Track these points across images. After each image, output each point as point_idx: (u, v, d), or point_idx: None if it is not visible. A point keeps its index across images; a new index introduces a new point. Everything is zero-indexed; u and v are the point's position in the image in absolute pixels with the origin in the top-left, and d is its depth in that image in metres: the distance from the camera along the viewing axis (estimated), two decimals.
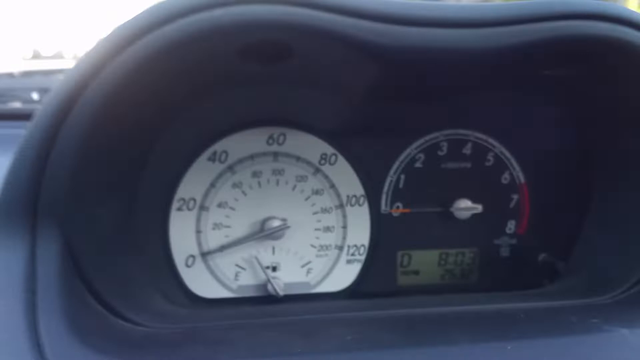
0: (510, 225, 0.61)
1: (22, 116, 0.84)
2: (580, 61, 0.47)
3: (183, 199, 0.53)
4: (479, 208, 0.60)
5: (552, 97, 0.52)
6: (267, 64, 0.43)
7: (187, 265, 0.55)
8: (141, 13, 0.39)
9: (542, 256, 0.59)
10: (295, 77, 0.45)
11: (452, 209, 0.59)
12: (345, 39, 0.40)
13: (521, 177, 0.60)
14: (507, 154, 0.60)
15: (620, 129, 0.52)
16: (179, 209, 0.53)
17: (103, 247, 0.46)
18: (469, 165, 0.60)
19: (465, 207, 0.59)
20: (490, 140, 0.59)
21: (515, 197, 0.61)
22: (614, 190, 0.53)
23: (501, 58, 0.42)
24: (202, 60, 0.40)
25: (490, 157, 0.60)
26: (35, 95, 0.95)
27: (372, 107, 0.50)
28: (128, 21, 0.39)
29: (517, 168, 0.60)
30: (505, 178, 0.62)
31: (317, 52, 0.42)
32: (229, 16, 0.38)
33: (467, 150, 0.60)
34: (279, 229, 0.55)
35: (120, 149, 0.45)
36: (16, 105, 0.95)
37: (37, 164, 0.43)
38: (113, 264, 0.47)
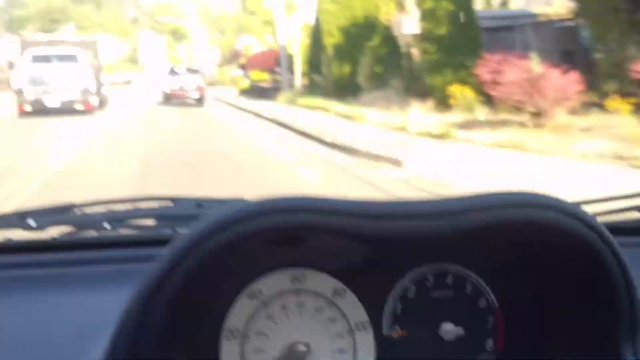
0: (490, 343, 0.72)
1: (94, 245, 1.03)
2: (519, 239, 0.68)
3: (230, 329, 0.67)
4: (460, 330, 0.70)
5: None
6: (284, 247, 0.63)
7: None
8: (217, 218, 0.56)
9: None
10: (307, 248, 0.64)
11: (439, 332, 0.70)
12: (344, 232, 0.57)
13: (495, 303, 0.72)
14: (483, 283, 0.71)
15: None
16: (228, 339, 0.67)
17: None
18: (451, 293, 0.71)
19: (449, 330, 0.70)
20: (468, 272, 0.71)
21: (491, 319, 0.72)
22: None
23: (464, 236, 0.60)
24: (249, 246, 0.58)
25: (468, 286, 0.71)
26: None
27: (372, 254, 0.65)
28: (219, 217, 0.57)
29: (491, 295, 0.72)
30: (482, 303, 0.72)
31: (323, 238, 0.61)
32: (268, 223, 0.56)
33: (449, 281, 0.71)
34: (304, 352, 0.67)
35: (193, 306, 0.64)
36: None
37: (139, 320, 0.57)
38: None
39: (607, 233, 0.63)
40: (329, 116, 13.70)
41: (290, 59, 22.40)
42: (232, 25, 64.94)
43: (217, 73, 42.50)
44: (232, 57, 52.91)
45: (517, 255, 0.70)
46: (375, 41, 14.68)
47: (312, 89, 18.98)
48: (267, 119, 14.64)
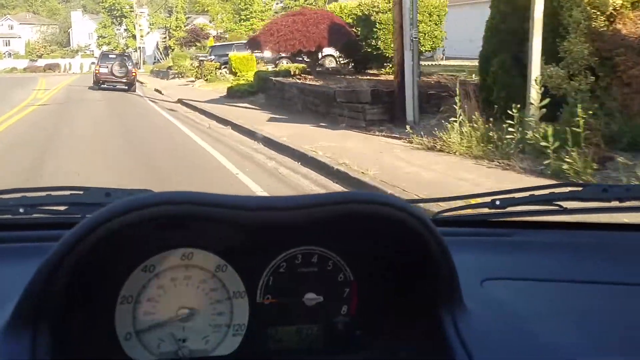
0: (344, 309, 0.89)
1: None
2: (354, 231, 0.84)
3: (124, 296, 0.81)
4: (321, 298, 0.88)
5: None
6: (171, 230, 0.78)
7: (126, 340, 0.81)
8: (116, 205, 0.71)
9: (358, 332, 0.89)
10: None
11: (303, 299, 0.88)
12: (219, 220, 0.73)
13: (351, 277, 0.89)
14: (341, 261, 0.88)
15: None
16: (122, 303, 0.81)
17: (76, 335, 0.77)
18: (316, 269, 0.87)
19: (311, 297, 0.87)
20: (329, 252, 0.88)
21: (347, 290, 0.89)
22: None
23: (309, 225, 0.77)
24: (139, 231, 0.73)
25: (330, 263, 0.88)
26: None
27: (247, 236, 0.80)
28: (110, 208, 0.71)
29: (348, 270, 0.89)
30: (340, 277, 0.89)
31: (203, 225, 0.76)
32: (158, 212, 0.70)
33: (314, 259, 0.87)
34: (187, 315, 0.82)
35: (91, 278, 0.76)
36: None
37: (44, 286, 0.71)
38: (80, 343, 0.78)
39: (428, 220, 0.79)
40: None
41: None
42: (182, 3, 54.44)
43: (173, 58, 32.49)
44: (191, 38, 42.61)
45: (367, 239, 0.85)
46: None
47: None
48: None
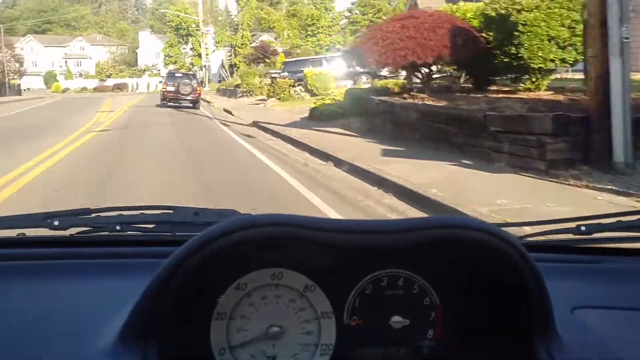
0: (430, 333, 0.88)
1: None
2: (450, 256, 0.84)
3: (219, 313, 0.83)
4: (407, 322, 0.87)
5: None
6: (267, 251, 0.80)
7: (220, 354, 0.84)
8: (222, 226, 0.74)
9: (445, 356, 0.88)
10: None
11: (389, 322, 0.87)
12: (316, 242, 0.75)
13: (437, 301, 0.88)
14: (428, 285, 0.87)
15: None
16: (216, 319, 0.83)
17: (177, 350, 0.80)
18: (401, 292, 0.87)
19: (398, 321, 0.87)
20: (415, 276, 0.87)
21: (433, 314, 0.88)
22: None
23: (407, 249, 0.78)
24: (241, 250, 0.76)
25: (416, 287, 0.87)
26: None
27: (336, 258, 0.81)
28: (215, 229, 0.74)
29: (434, 294, 0.88)
30: (426, 301, 0.88)
31: (299, 246, 0.78)
32: (261, 233, 0.74)
33: (400, 282, 0.87)
34: (277, 333, 0.84)
35: (196, 294, 0.80)
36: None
37: (154, 302, 0.75)
38: (181, 357, 0.80)
39: (519, 245, 0.79)
40: None
41: None
42: (247, 21, 52.94)
43: (241, 76, 30.47)
44: (259, 55, 40.28)
45: (454, 264, 0.85)
46: None
47: None
48: None
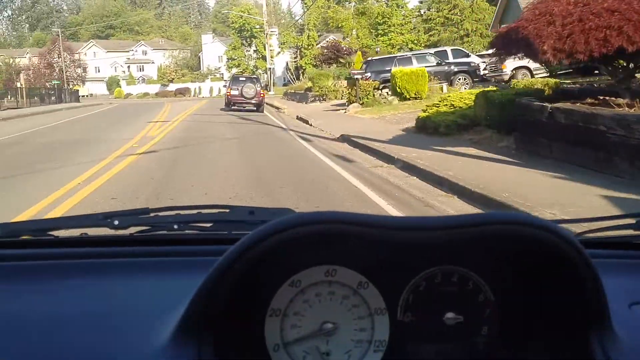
0: (485, 329, 0.88)
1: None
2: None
3: (273, 309, 0.84)
4: (461, 318, 0.87)
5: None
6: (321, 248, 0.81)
7: (274, 351, 0.84)
8: (273, 224, 0.75)
9: (501, 353, 0.88)
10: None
11: (443, 318, 0.87)
12: (368, 239, 0.76)
13: (492, 297, 0.88)
14: (482, 282, 0.87)
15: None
16: (271, 315, 0.84)
17: (232, 345, 0.81)
18: (455, 289, 0.87)
19: (451, 317, 0.87)
20: (470, 272, 0.87)
21: (487, 310, 0.88)
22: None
23: (454, 246, 0.78)
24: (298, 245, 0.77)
25: (470, 283, 0.87)
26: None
27: (391, 255, 0.82)
28: (271, 225, 0.75)
29: (489, 291, 0.87)
30: (480, 298, 0.88)
31: (351, 243, 0.78)
32: (314, 230, 0.75)
33: (455, 279, 0.87)
34: (331, 329, 0.85)
35: (250, 290, 0.81)
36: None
37: (208, 299, 0.77)
38: (236, 353, 0.82)
39: (577, 242, 0.78)
40: None
41: None
42: (314, 20, 49.88)
43: (313, 78, 30.12)
44: (331, 55, 36.54)
45: (509, 260, 0.85)
46: None
47: None
48: None
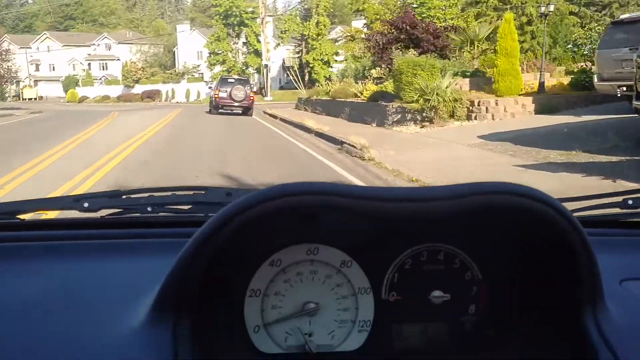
0: (472, 308, 0.90)
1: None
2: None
3: (253, 289, 0.85)
4: (448, 296, 0.88)
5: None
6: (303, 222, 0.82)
7: (255, 332, 0.86)
8: (260, 193, 0.73)
9: (489, 332, 0.90)
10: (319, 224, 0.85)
11: (429, 297, 0.88)
12: (352, 210, 0.74)
13: (479, 275, 0.89)
14: (469, 259, 0.89)
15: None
16: (250, 296, 0.85)
17: (209, 326, 0.84)
18: (442, 267, 0.88)
19: (438, 295, 0.87)
20: (457, 250, 0.88)
21: (474, 288, 0.89)
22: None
23: (450, 217, 0.77)
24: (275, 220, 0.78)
25: (457, 261, 0.89)
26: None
27: (374, 231, 0.84)
28: (247, 198, 0.73)
29: (476, 269, 0.89)
30: (468, 275, 0.89)
31: (334, 218, 0.80)
32: (297, 201, 0.72)
33: (441, 257, 0.88)
34: (314, 309, 0.86)
35: (228, 270, 0.83)
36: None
37: (183, 276, 0.77)
38: (213, 334, 0.84)
39: (570, 215, 0.78)
40: None
41: None
42: (325, 3, 36.43)
43: (400, 72, 14.39)
44: (403, 32, 20.76)
45: (498, 235, 0.87)
46: None
47: None
48: None
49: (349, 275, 0.86)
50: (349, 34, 38.80)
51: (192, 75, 56.92)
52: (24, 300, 0.92)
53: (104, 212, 1.27)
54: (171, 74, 58.11)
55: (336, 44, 43.50)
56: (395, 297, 0.87)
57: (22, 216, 1.26)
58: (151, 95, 53.01)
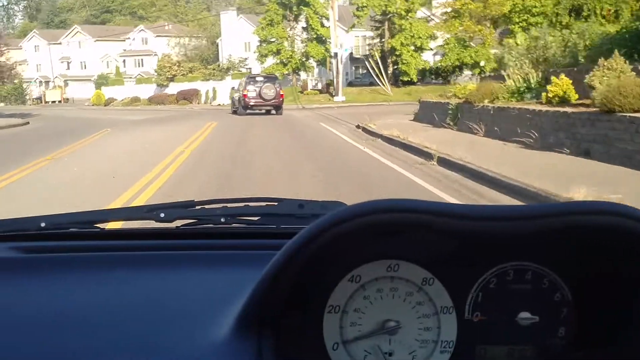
0: (562, 330, 0.87)
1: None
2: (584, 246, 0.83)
3: (332, 305, 0.85)
4: (536, 318, 0.86)
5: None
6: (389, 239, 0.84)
7: (333, 349, 0.85)
8: (343, 211, 0.73)
9: (578, 355, 0.89)
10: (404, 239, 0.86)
11: (516, 319, 0.86)
12: (439, 229, 0.74)
13: (569, 296, 0.87)
14: (559, 279, 0.86)
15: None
16: (329, 312, 0.85)
17: (293, 341, 0.85)
18: (529, 287, 0.86)
19: (526, 317, 0.85)
20: (546, 269, 0.86)
21: (564, 310, 0.87)
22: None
23: (534, 238, 0.77)
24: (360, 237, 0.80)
25: (545, 281, 0.86)
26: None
27: (459, 248, 0.83)
28: (331, 216, 0.73)
29: (566, 289, 0.87)
30: (557, 297, 0.87)
31: (419, 234, 0.79)
32: (386, 218, 0.72)
33: (528, 276, 0.86)
34: (394, 328, 0.85)
35: (308, 285, 0.84)
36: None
37: (268, 293, 0.78)
38: (294, 350, 0.84)
39: None
40: None
41: None
42: None
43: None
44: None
45: (591, 255, 0.86)
46: None
47: None
48: None
49: (430, 294, 0.85)
50: (452, 8, 28.54)
51: (239, 70, 48.95)
52: (106, 309, 0.97)
53: (178, 223, 1.36)
54: (213, 69, 49.40)
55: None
56: (480, 318, 0.85)
57: (101, 225, 1.36)
58: (188, 97, 45.17)
